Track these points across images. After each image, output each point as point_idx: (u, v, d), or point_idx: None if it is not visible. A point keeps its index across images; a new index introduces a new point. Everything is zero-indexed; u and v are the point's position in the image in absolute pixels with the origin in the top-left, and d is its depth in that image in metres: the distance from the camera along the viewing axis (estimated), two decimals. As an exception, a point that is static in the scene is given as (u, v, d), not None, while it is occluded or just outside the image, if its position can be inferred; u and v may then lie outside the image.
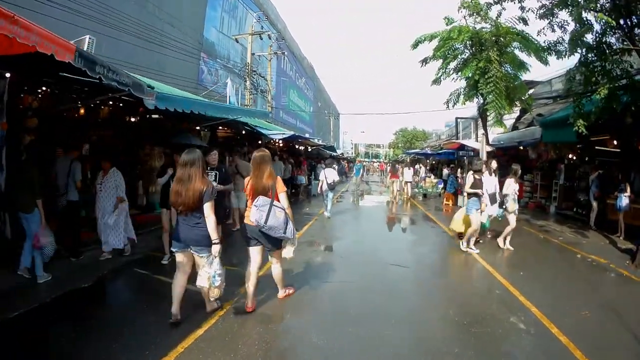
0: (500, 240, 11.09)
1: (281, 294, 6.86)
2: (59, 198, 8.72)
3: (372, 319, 6.14)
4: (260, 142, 20.41)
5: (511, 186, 10.96)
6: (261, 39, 29.80)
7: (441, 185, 26.80)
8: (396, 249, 11.32)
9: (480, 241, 11.45)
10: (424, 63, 17.90)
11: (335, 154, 40.57)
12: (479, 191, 10.46)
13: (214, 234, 5.53)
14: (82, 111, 11.56)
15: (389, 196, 25.41)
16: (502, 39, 15.74)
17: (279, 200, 6.09)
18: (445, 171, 29.37)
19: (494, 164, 11.65)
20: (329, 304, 6.81)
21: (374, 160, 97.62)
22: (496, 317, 6.31)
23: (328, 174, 16.72)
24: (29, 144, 8.97)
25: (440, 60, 17.51)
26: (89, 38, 13.20)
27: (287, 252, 6.50)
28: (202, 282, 5.62)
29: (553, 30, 13.10)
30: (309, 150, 33.11)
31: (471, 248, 10.60)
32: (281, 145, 25.97)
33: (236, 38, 29.84)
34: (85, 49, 13.20)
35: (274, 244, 6.25)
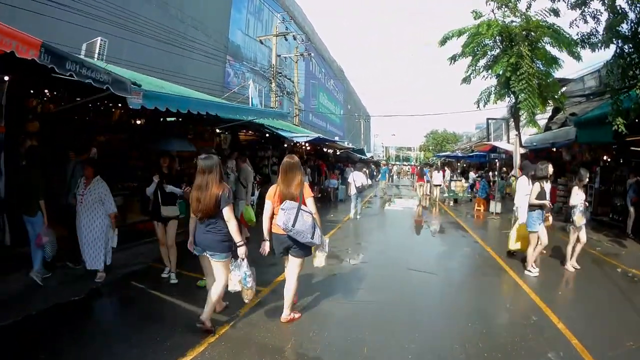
0: (570, 264, 9.39)
1: (285, 316, 6.12)
2: (62, 197, 8.35)
3: (386, 353, 5.25)
4: (285, 145, 19.74)
5: (579, 196, 9.34)
6: (286, 39, 29.09)
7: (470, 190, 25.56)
8: (421, 261, 10.19)
9: (514, 254, 10.23)
10: (452, 61, 16.99)
11: (365, 157, 39.71)
12: (546, 202, 8.88)
13: (237, 237, 5.46)
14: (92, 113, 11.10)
15: (418, 201, 24.43)
16: (533, 34, 14.73)
17: (306, 205, 5.87)
18: (472, 175, 28.12)
19: (550, 169, 9.79)
20: (339, 331, 5.89)
21: (405, 163, 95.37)
22: (533, 351, 5.33)
23: (356, 178, 16.77)
24: (29, 148, 8.45)
25: (470, 58, 16.51)
26: (101, 40, 12.94)
27: (319, 261, 6.30)
28: (234, 286, 5.60)
29: (585, 22, 12.23)
30: (338, 153, 32.30)
31: (529, 270, 8.93)
32: (308, 148, 25.14)
33: (260, 39, 29.36)
34: (97, 50, 12.92)
35: (304, 251, 5.99)
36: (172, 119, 12.84)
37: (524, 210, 9.45)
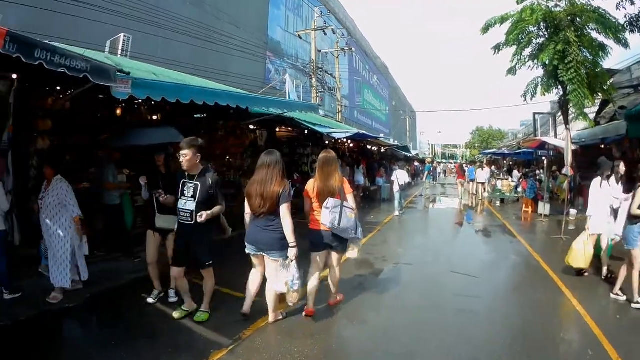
0: None
1: (332, 299, 6.57)
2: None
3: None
4: (327, 142, 18.81)
5: None
6: (325, 34, 28.10)
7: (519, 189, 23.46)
8: (463, 271, 8.74)
9: (586, 273, 8.36)
10: (497, 50, 15.72)
11: (409, 154, 38.73)
12: None
13: (290, 237, 5.24)
14: (118, 111, 10.50)
15: (463, 200, 22.95)
16: (579, 19, 13.48)
17: (347, 201, 5.82)
18: (516, 173, 26.46)
19: (622, 167, 8.17)
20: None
21: (451, 161, 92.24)
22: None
23: (400, 176, 17.36)
24: (42, 147, 8.14)
25: (514, 47, 15.28)
26: (124, 35, 12.62)
27: (353, 252, 6.27)
28: (279, 286, 5.34)
29: (632, 3, 11.07)
30: (382, 150, 31.31)
31: (638, 302, 6.65)
32: (351, 145, 24.37)
33: (299, 34, 28.84)
34: (120, 47, 12.51)
35: (345, 245, 6.05)
36: (198, 115, 12.36)
37: (598, 220, 8.05)
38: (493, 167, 29.90)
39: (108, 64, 5.50)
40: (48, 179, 6.58)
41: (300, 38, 29.16)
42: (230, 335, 5.32)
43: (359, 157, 25.04)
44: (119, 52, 12.38)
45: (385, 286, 7.78)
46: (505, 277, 8.96)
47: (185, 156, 5.39)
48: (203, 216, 5.28)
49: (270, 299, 5.63)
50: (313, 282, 6.03)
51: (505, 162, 38.85)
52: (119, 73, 5.51)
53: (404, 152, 35.07)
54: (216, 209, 5.51)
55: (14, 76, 6.87)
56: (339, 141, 21.07)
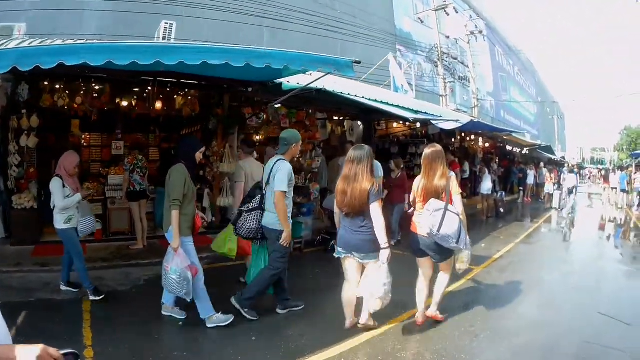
0: None
1: (431, 312, 5.11)
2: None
3: None
4: (453, 140, 16.95)
5: None
6: (447, 14, 23.08)
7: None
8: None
9: None
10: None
11: (554, 156, 32.30)
12: None
13: (382, 238, 4.41)
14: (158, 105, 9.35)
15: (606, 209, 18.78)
16: None
17: (452, 204, 4.76)
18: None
19: None
20: None
21: (600, 166, 75.08)
22: None
23: (568, 179, 18.37)
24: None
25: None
26: (165, 23, 11.65)
27: (462, 265, 5.00)
28: (362, 291, 4.56)
29: None
30: (524, 152, 25.85)
31: None
32: (487, 145, 20.30)
33: (419, 17, 24.36)
34: (161, 35, 11.22)
35: (445, 255, 4.89)
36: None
37: None
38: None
39: None
40: None
41: (422, 22, 24.60)
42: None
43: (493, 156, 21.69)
44: (160, 38, 11.56)
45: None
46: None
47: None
48: None
49: (369, 304, 4.59)
50: (420, 295, 5.04)
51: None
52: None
53: (547, 154, 28.60)
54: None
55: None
56: (469, 139, 17.96)
